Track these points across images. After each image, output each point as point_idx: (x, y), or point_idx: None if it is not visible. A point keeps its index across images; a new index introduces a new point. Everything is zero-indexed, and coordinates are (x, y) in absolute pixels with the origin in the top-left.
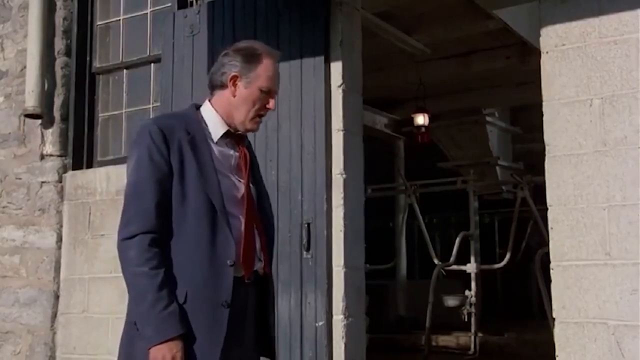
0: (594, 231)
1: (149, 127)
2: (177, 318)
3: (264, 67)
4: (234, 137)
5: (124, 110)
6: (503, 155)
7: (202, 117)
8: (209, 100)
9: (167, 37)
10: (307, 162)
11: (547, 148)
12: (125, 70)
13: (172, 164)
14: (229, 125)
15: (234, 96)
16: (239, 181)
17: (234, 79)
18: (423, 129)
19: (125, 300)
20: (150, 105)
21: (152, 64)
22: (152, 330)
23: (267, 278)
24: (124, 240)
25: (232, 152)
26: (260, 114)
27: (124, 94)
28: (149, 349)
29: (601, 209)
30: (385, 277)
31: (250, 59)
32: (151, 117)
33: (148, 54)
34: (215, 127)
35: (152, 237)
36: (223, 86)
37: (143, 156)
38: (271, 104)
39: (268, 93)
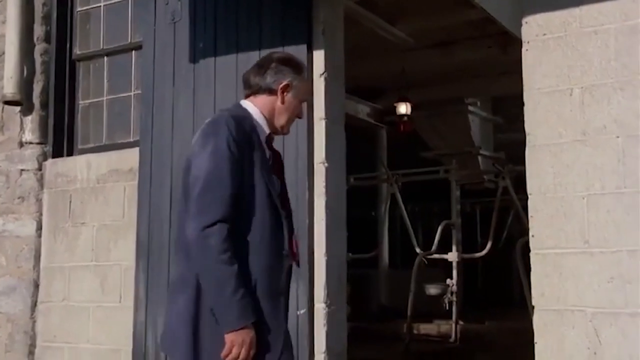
0: (573, 220)
1: (225, 118)
2: (252, 306)
3: (307, 81)
4: (270, 138)
5: (104, 98)
6: (485, 145)
7: (252, 116)
8: (252, 102)
9: (148, 24)
10: (288, 151)
11: (527, 137)
12: (106, 57)
13: (243, 157)
14: (269, 127)
15: (282, 103)
16: (277, 178)
17: (285, 88)
18: (405, 118)
19: (106, 288)
20: (132, 93)
21: (133, 51)
22: (233, 316)
23: (291, 267)
24: (205, 228)
25: (269, 151)
26: (294, 120)
27: (105, 81)
28: (227, 332)
29: (580, 197)
30: (367, 266)
31: (298, 70)
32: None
33: (129, 41)
34: (263, 128)
35: (228, 227)
36: (271, 92)
37: (221, 146)
38: (302, 112)
39: (302, 102)
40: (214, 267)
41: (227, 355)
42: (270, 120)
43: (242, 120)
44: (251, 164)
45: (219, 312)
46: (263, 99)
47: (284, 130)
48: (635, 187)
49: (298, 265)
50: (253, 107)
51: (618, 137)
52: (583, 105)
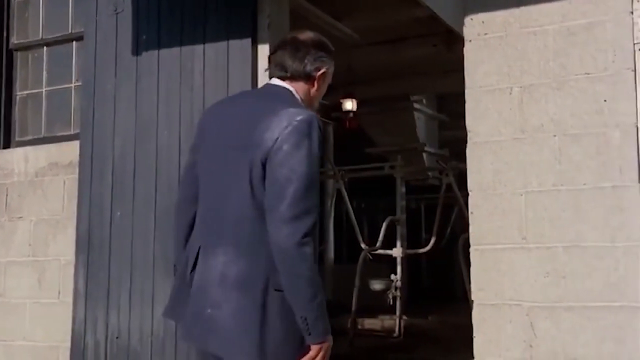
0: (511, 216)
1: (317, 119)
2: None
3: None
4: None
5: (44, 89)
6: (429, 142)
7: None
8: (294, 87)
9: (90, 14)
10: None
11: (468, 135)
12: (45, 48)
13: None
14: None
15: (317, 90)
16: None
17: (324, 75)
18: (351, 115)
19: (44, 284)
20: (72, 85)
21: (74, 42)
22: (324, 326)
23: None
24: (304, 236)
25: None
26: None
27: (44, 72)
28: (316, 343)
29: (518, 194)
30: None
31: (332, 55)
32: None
33: (70, 31)
34: None
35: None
36: (309, 78)
37: (315, 150)
38: None
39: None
40: (312, 276)
41: None
42: (305, 106)
43: None
44: None
45: (313, 322)
46: (301, 85)
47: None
48: (571, 184)
49: None
50: (298, 95)
51: (555, 135)
52: (522, 103)
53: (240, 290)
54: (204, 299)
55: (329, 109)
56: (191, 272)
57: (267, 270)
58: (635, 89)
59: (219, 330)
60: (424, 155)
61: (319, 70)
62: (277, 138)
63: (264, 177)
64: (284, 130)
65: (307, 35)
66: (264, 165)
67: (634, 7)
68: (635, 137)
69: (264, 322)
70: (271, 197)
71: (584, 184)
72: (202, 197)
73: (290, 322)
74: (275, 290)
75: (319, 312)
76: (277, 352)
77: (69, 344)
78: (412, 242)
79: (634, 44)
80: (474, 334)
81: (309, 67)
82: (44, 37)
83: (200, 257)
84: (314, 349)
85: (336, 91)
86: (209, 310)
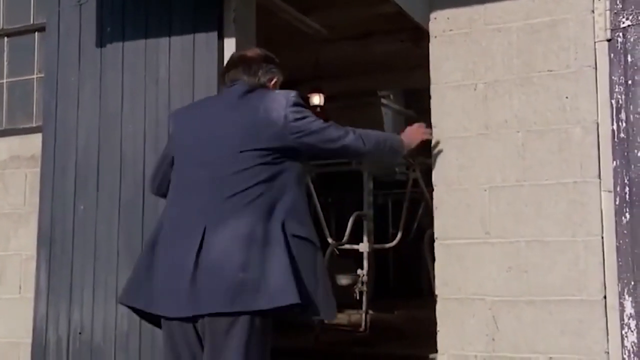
0: (475, 211)
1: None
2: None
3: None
4: None
5: (4, 80)
6: None
7: None
8: None
9: (52, 5)
10: None
11: (434, 130)
12: (6, 38)
13: None
14: None
15: None
16: None
17: (276, 84)
18: (319, 109)
19: (5, 279)
20: (34, 76)
21: (37, 33)
22: (396, 142)
23: None
24: (356, 141)
25: None
26: None
27: (5, 63)
28: (405, 145)
29: (482, 189)
30: None
31: (279, 66)
32: (37, 87)
33: (32, 22)
34: None
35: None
36: (264, 87)
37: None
38: None
39: None
40: (370, 148)
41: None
42: None
43: None
44: None
45: (396, 147)
46: None
47: None
48: (533, 180)
49: None
50: None
51: (518, 131)
52: (487, 100)
53: (268, 246)
54: (228, 267)
55: None
56: (198, 254)
57: (283, 221)
58: (596, 86)
59: (264, 286)
60: None
61: (272, 81)
62: (285, 115)
63: (279, 147)
64: (286, 103)
65: (254, 51)
66: (280, 136)
67: (594, 5)
68: (596, 134)
69: (294, 264)
70: (327, 146)
71: (547, 180)
72: (185, 186)
73: (307, 260)
74: (294, 236)
75: (381, 144)
76: (311, 286)
77: (30, 340)
78: (379, 237)
79: (595, 42)
80: (438, 328)
81: (262, 79)
82: (4, 27)
83: (207, 236)
84: (408, 142)
85: (304, 86)
86: (240, 275)
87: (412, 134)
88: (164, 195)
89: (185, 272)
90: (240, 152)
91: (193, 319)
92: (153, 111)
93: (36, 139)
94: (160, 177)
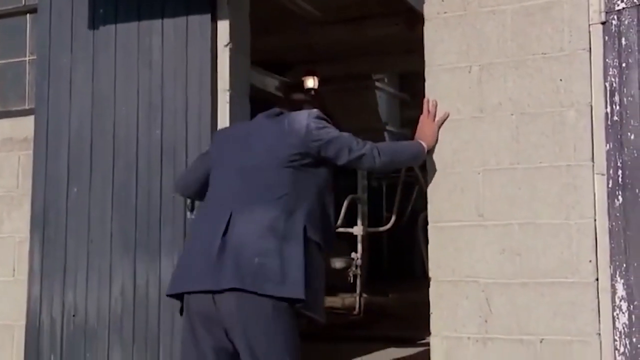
0: (469, 194)
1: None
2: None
3: None
4: None
5: None
6: (391, 121)
7: None
8: None
9: None
10: (192, 122)
11: None
12: None
13: None
14: None
15: None
16: None
17: None
18: (313, 93)
19: None
20: (27, 58)
21: (28, 15)
22: (415, 147)
23: None
24: (371, 151)
25: None
26: None
27: None
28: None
29: (476, 173)
30: None
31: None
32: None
33: (23, 3)
34: None
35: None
36: None
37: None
38: None
39: None
40: (388, 160)
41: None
42: None
43: None
44: None
45: (415, 153)
46: None
47: None
48: (527, 163)
49: None
50: None
51: (512, 114)
52: (481, 82)
53: (286, 239)
54: (247, 250)
55: (290, 87)
56: (223, 237)
57: (304, 223)
58: (590, 69)
59: (272, 274)
60: (386, 134)
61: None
62: (307, 124)
63: (302, 153)
64: (310, 119)
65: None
66: (303, 143)
67: None
68: (590, 117)
69: (307, 264)
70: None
71: (540, 163)
72: (220, 178)
73: (319, 265)
74: (311, 239)
75: (398, 154)
76: (314, 287)
77: (24, 323)
78: (373, 220)
79: (589, 25)
80: (431, 310)
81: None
82: None
83: (233, 220)
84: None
85: (298, 69)
86: (256, 260)
87: (427, 131)
88: (187, 194)
89: (211, 251)
90: (270, 156)
91: (212, 295)
92: (146, 94)
93: (29, 122)
94: (192, 182)
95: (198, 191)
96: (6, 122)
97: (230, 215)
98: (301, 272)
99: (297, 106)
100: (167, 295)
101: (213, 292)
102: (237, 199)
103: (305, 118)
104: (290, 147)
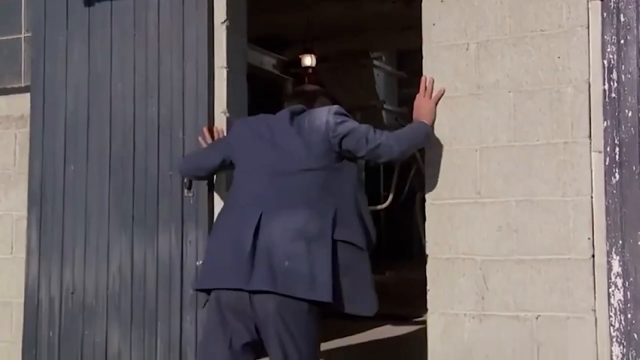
0: (466, 171)
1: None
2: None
3: None
4: None
5: None
6: (389, 99)
7: None
8: None
9: None
10: (188, 99)
11: None
12: None
13: None
14: None
15: None
16: None
17: None
18: (310, 71)
19: None
20: (22, 35)
21: None
22: (423, 130)
23: None
24: (387, 140)
25: None
26: None
27: None
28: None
29: (473, 150)
30: None
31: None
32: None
33: None
34: None
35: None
36: None
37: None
38: None
39: None
40: (404, 148)
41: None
42: None
43: None
44: None
45: (426, 132)
46: None
47: None
48: (524, 140)
49: None
50: None
51: (510, 91)
52: (478, 60)
53: (313, 242)
54: (277, 254)
55: (288, 65)
56: (254, 238)
57: (333, 225)
58: (588, 46)
59: (302, 277)
60: (383, 112)
61: None
62: (327, 120)
63: (326, 150)
64: (330, 115)
65: (312, 87)
66: (325, 140)
67: None
68: (587, 94)
69: (334, 265)
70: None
71: (537, 140)
72: (248, 176)
73: (352, 263)
74: (340, 241)
75: (414, 139)
76: (347, 286)
77: (22, 300)
78: (370, 199)
79: (587, 1)
80: (428, 287)
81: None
82: None
83: (263, 221)
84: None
85: (295, 47)
86: (286, 263)
87: (426, 109)
88: (194, 178)
89: (242, 251)
90: (297, 157)
91: (249, 294)
92: (142, 71)
93: (25, 99)
94: (205, 168)
95: (207, 177)
96: (2, 100)
97: (260, 216)
98: (328, 275)
99: (312, 98)
100: (196, 290)
101: (248, 291)
102: (267, 200)
103: (325, 115)
104: (314, 146)
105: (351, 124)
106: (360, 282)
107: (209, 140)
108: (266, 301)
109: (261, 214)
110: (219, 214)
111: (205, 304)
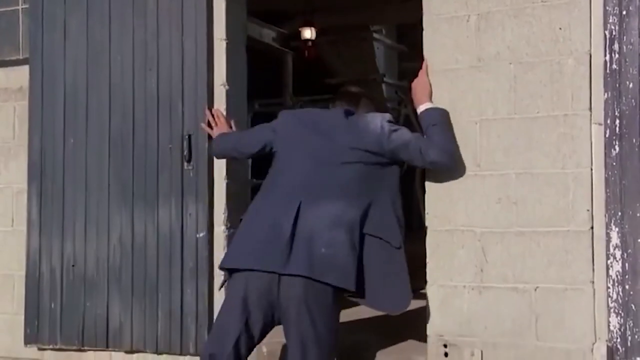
0: (466, 144)
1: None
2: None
3: None
4: None
5: None
6: (389, 73)
7: None
8: None
9: None
10: (188, 72)
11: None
12: None
13: None
14: None
15: None
16: None
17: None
18: (310, 44)
19: None
20: (19, 7)
21: None
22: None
23: None
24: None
25: None
26: None
27: None
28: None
29: (473, 122)
30: None
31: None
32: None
33: None
34: None
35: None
36: None
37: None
38: None
39: None
40: (452, 150)
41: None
42: None
43: None
44: None
45: (447, 116)
46: None
47: None
48: (524, 113)
49: None
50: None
51: (510, 63)
52: (479, 31)
53: (348, 232)
54: (316, 241)
55: (287, 38)
56: (293, 224)
57: (362, 219)
58: (590, 16)
59: (335, 265)
60: (383, 86)
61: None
62: (382, 126)
63: (376, 152)
64: (384, 122)
65: (357, 88)
66: (378, 143)
67: None
68: (588, 66)
69: (361, 260)
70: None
71: (538, 113)
72: (293, 163)
73: (372, 259)
74: (368, 234)
75: (448, 130)
76: (367, 282)
77: (23, 273)
78: None
79: None
80: (427, 260)
81: (361, 111)
82: None
83: (303, 209)
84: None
85: (295, 19)
86: (323, 250)
87: (425, 88)
88: (224, 157)
89: (282, 236)
90: (345, 148)
91: (279, 276)
92: (141, 43)
93: (23, 71)
94: (245, 151)
95: (243, 160)
96: (1, 72)
97: (300, 204)
98: (353, 264)
99: (356, 99)
100: (222, 268)
101: (279, 274)
102: (308, 189)
103: (379, 120)
104: (368, 144)
105: (405, 133)
106: (387, 279)
107: (214, 124)
108: (294, 284)
109: (300, 202)
110: (256, 197)
111: (222, 286)
